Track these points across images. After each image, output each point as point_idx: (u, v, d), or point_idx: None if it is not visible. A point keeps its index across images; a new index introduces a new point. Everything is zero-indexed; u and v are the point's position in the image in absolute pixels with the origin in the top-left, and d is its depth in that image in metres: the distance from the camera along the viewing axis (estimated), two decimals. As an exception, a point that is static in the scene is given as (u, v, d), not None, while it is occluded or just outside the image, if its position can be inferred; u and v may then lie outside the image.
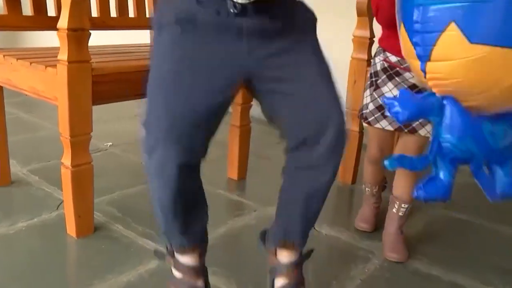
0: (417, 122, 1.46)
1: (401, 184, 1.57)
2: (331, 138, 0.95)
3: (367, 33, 1.91)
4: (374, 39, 1.92)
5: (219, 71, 0.93)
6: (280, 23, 0.95)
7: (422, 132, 1.46)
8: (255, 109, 3.15)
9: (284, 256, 1.13)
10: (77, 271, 1.40)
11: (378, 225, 1.70)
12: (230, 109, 1.97)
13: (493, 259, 1.57)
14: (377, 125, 1.53)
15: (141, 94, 1.65)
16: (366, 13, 1.88)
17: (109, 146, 2.42)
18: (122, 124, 2.87)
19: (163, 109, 0.90)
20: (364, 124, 1.65)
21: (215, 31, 0.91)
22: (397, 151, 1.57)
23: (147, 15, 2.21)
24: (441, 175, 0.88)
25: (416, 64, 0.85)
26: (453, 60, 0.77)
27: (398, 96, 0.82)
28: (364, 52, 1.93)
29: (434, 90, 0.83)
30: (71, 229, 1.51)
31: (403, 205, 1.55)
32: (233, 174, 2.07)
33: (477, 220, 1.85)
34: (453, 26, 0.75)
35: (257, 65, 0.95)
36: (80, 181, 1.47)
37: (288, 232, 1.11)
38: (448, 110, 0.82)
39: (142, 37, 2.25)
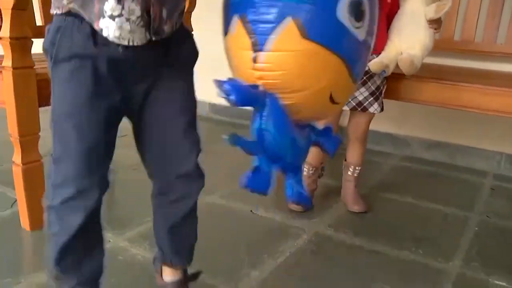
0: (367, 102, 1.76)
1: (353, 153, 1.90)
2: (184, 186, 1.09)
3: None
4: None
5: (110, 100, 0.92)
6: (166, 59, 0.97)
7: (371, 109, 1.78)
8: (201, 107, 3.30)
9: (168, 276, 1.19)
10: (31, 259, 1.52)
11: (309, 207, 1.88)
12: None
13: (410, 229, 1.77)
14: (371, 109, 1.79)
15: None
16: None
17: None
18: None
19: (78, 147, 0.90)
20: None
21: (104, 67, 0.89)
22: (351, 127, 1.87)
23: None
24: (263, 167, 0.90)
25: (246, 54, 0.86)
26: (285, 51, 0.82)
27: (227, 79, 0.83)
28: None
29: (258, 82, 0.85)
30: (24, 222, 1.63)
31: (356, 168, 1.89)
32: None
33: (402, 198, 2.05)
34: (291, 20, 0.80)
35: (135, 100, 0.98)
36: (31, 177, 1.59)
37: (166, 255, 1.17)
38: (271, 103, 0.84)
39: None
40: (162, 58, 0.96)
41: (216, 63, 3.28)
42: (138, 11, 0.84)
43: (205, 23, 3.06)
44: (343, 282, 1.42)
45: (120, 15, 0.83)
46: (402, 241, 1.66)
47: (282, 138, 0.88)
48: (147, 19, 0.87)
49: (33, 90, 1.52)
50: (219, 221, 1.79)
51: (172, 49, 0.97)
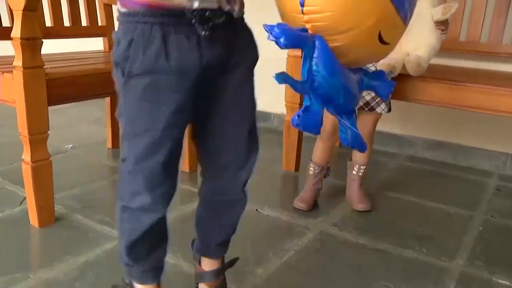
0: (374, 102, 1.76)
1: (359, 152, 1.84)
2: (241, 187, 1.09)
3: (301, 33, 2.10)
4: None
5: (186, 111, 0.92)
6: (235, 58, 0.95)
7: (379, 109, 1.79)
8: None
9: (207, 265, 1.22)
10: (39, 255, 1.55)
11: (315, 206, 1.90)
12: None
13: (413, 228, 1.78)
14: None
15: (92, 96, 1.83)
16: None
17: (70, 148, 2.56)
18: (82, 128, 3.01)
19: (152, 161, 0.91)
20: None
21: (179, 74, 0.87)
22: (358, 126, 1.81)
23: (99, 23, 2.37)
24: (314, 107, 0.90)
25: (293, 2, 0.87)
26: None
27: (276, 24, 0.83)
28: (298, 49, 2.11)
29: (307, 25, 0.86)
30: (33, 219, 1.66)
31: (361, 167, 1.90)
32: (186, 167, 2.24)
33: (406, 197, 2.07)
34: None
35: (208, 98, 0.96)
36: (40, 175, 1.62)
37: (209, 249, 1.20)
38: (320, 45, 0.85)
39: (95, 44, 2.42)
40: (230, 56, 0.94)
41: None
42: None
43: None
44: (347, 280, 1.44)
45: None
46: (405, 240, 1.68)
47: (332, 79, 0.87)
48: None
49: (43, 89, 1.55)
50: (225, 220, 1.81)
51: (238, 47, 0.95)
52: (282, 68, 2.18)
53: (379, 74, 1.02)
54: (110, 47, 2.44)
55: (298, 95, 2.17)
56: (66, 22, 2.23)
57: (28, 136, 1.56)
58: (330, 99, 0.90)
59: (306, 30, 0.86)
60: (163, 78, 0.86)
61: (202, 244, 1.21)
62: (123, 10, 0.87)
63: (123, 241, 1.03)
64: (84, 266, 1.45)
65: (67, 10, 2.23)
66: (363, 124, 1.85)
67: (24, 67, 1.48)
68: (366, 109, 1.79)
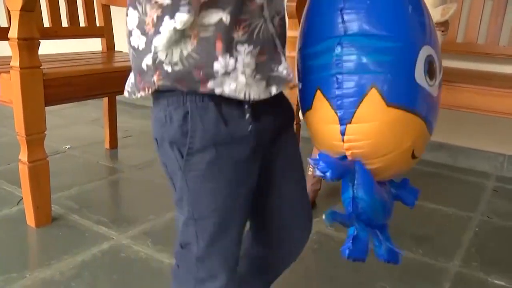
0: None
1: None
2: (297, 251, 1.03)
3: (297, 34, 2.10)
4: (304, 39, 2.12)
5: (251, 180, 0.86)
6: (281, 119, 0.90)
7: None
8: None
9: None
10: (35, 254, 1.55)
11: (313, 206, 1.90)
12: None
13: (411, 229, 1.78)
14: None
15: (89, 96, 1.84)
16: (296, 16, 2.07)
17: (68, 148, 2.56)
18: (79, 129, 3.01)
19: (226, 240, 0.85)
20: None
21: (240, 143, 0.81)
22: None
23: (97, 24, 2.37)
24: (360, 235, 0.89)
25: (333, 128, 0.86)
26: (371, 122, 0.83)
27: (319, 156, 0.84)
28: (295, 51, 2.12)
29: (346, 152, 0.86)
30: (30, 219, 1.66)
31: None
32: (183, 167, 2.24)
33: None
34: (374, 90, 0.81)
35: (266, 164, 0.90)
36: (36, 175, 1.62)
37: None
38: (360, 170, 0.85)
39: (95, 44, 2.43)
40: (278, 118, 0.88)
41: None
42: (253, 64, 0.75)
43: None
44: (345, 280, 1.44)
45: (234, 69, 0.74)
46: (403, 241, 1.68)
47: (374, 202, 0.88)
48: (270, 74, 0.79)
49: (40, 89, 1.56)
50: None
51: (284, 108, 0.91)
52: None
53: (403, 182, 1.02)
54: (109, 47, 2.45)
55: (296, 95, 2.17)
56: (64, 23, 2.24)
57: (25, 136, 1.56)
58: (372, 220, 0.90)
59: (345, 157, 0.87)
60: (224, 149, 0.79)
61: None
62: (161, 87, 0.76)
63: None
64: (81, 266, 1.45)
65: (65, 11, 2.23)
66: None
67: (21, 67, 1.49)
68: None
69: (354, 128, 0.84)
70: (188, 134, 0.76)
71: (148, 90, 0.78)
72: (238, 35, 0.73)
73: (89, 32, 2.34)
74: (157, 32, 0.72)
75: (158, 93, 0.78)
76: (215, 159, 0.78)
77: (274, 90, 0.78)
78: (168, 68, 0.73)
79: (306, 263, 1.53)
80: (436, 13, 1.77)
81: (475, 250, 1.65)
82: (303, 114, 0.92)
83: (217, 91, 0.73)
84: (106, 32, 2.42)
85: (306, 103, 0.90)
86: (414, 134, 0.88)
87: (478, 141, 2.51)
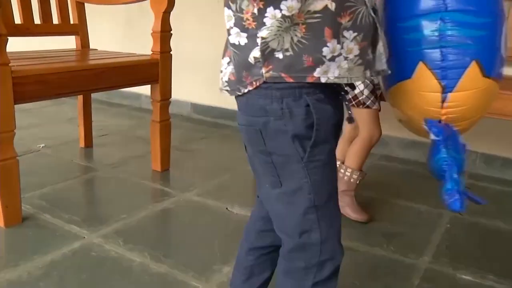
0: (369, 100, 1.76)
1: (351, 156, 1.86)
2: None
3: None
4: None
5: None
6: None
7: (375, 107, 1.78)
8: (183, 107, 3.34)
9: None
10: (3, 255, 1.53)
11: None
12: (151, 105, 2.14)
13: (382, 226, 1.79)
14: (375, 106, 1.78)
15: (62, 94, 1.82)
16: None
17: (42, 147, 2.53)
18: (55, 127, 2.98)
19: (339, 221, 0.93)
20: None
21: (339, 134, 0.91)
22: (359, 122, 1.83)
23: (71, 22, 2.35)
24: (460, 188, 0.95)
25: (433, 96, 0.93)
26: (469, 90, 0.93)
27: (429, 122, 0.96)
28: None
29: (442, 117, 0.95)
30: (-1, 219, 1.65)
31: (348, 170, 1.85)
32: (157, 166, 2.23)
33: (378, 195, 2.09)
34: (474, 63, 0.91)
35: None
36: (6, 174, 1.60)
37: None
38: (454, 133, 0.97)
39: (67, 42, 2.41)
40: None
41: (193, 62, 3.32)
42: (356, 50, 0.80)
43: (182, 23, 3.09)
44: (313, 277, 1.44)
45: (339, 55, 0.78)
46: (374, 238, 1.69)
47: (463, 158, 0.97)
48: (367, 58, 0.83)
49: (8, 87, 1.54)
50: (195, 218, 1.81)
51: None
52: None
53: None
54: (83, 45, 2.43)
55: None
56: (37, 20, 2.21)
57: (-6, 134, 1.54)
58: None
59: (439, 121, 0.96)
60: (336, 137, 0.87)
61: None
62: (268, 79, 0.80)
63: None
64: (50, 266, 1.44)
65: (37, 7, 2.21)
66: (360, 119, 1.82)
67: (-11, 65, 1.47)
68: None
69: (455, 96, 0.93)
70: (313, 127, 0.81)
71: (256, 83, 0.80)
72: (344, 20, 0.77)
73: (63, 29, 2.32)
74: (261, 24, 0.76)
75: (266, 85, 0.80)
76: (333, 148, 0.86)
77: (368, 74, 0.84)
78: (280, 55, 0.77)
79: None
80: None
81: (445, 246, 1.67)
82: (395, 83, 0.98)
83: (323, 79, 0.78)
84: (80, 30, 2.40)
85: (405, 73, 0.95)
86: (493, 99, 1.01)
87: (452, 139, 2.53)
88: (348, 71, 0.79)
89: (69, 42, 2.48)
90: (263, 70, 0.79)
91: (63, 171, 2.22)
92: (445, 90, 0.92)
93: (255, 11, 0.76)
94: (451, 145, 0.95)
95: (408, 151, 2.62)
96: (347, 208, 1.83)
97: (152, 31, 2.09)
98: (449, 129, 0.96)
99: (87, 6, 2.43)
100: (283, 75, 0.78)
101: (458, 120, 0.97)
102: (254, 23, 0.77)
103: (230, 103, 3.14)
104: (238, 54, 0.82)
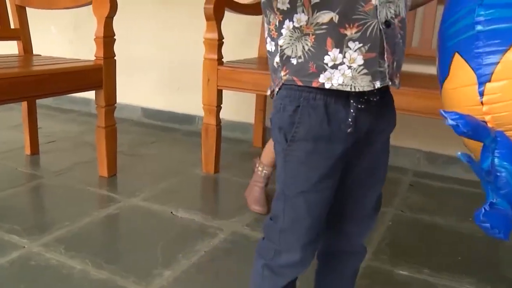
0: None
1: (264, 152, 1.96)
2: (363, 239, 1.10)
3: (215, 36, 2.13)
4: (222, 40, 2.14)
5: (338, 173, 0.95)
6: (383, 125, 0.97)
7: None
8: (133, 111, 3.31)
9: None
10: None
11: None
12: (96, 111, 2.12)
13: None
14: None
15: (3, 101, 1.78)
16: (213, 18, 2.09)
17: (-14, 155, 2.48)
18: (0, 134, 2.92)
19: (306, 220, 0.95)
20: None
21: (338, 141, 0.91)
22: None
23: (12, 26, 2.31)
24: (500, 205, 0.82)
25: (471, 90, 0.82)
26: (510, 79, 0.78)
27: (453, 112, 0.78)
28: (214, 52, 2.14)
29: (486, 118, 0.81)
30: None
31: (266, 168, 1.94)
32: (104, 172, 2.21)
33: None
34: None
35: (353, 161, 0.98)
36: None
37: None
38: (501, 137, 0.79)
39: (11, 47, 2.37)
40: (379, 123, 0.95)
41: (143, 66, 3.31)
42: (360, 60, 0.85)
43: (131, 26, 3.08)
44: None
45: (341, 63, 0.85)
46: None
47: None
48: (376, 67, 0.86)
49: None
50: (139, 223, 1.80)
51: (384, 116, 0.97)
52: (199, 71, 2.20)
53: None
54: (26, 50, 2.39)
55: (215, 97, 2.19)
56: (-25, 25, 2.17)
57: None
58: None
59: (485, 123, 0.81)
60: (322, 144, 0.89)
61: None
62: (286, 81, 0.90)
63: None
64: (-14, 277, 1.41)
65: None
66: None
67: None
68: None
69: (493, 87, 0.79)
70: (294, 125, 0.89)
71: (279, 85, 0.91)
72: (350, 32, 0.83)
73: (3, 34, 2.28)
74: (280, 34, 0.88)
75: (284, 87, 0.91)
76: (312, 150, 0.90)
77: (378, 84, 0.87)
78: (294, 61, 0.87)
79: (217, 263, 1.55)
80: None
81: (385, 243, 1.71)
82: (440, 86, 0.91)
83: (327, 85, 0.85)
84: (21, 35, 2.36)
85: (443, 72, 0.89)
86: None
87: (398, 138, 2.60)
88: (352, 80, 0.85)
89: (13, 48, 2.43)
90: (282, 74, 0.90)
91: (6, 179, 2.18)
92: (480, 79, 0.80)
93: (277, 23, 0.88)
94: (504, 158, 0.78)
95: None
96: (250, 197, 1.94)
97: (95, 37, 2.07)
98: (500, 135, 0.79)
99: (34, 10, 2.39)
100: (294, 78, 0.88)
101: (509, 122, 0.79)
102: (276, 33, 0.89)
103: (180, 107, 3.18)
104: (269, 59, 0.94)
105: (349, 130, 0.88)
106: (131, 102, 3.31)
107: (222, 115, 2.30)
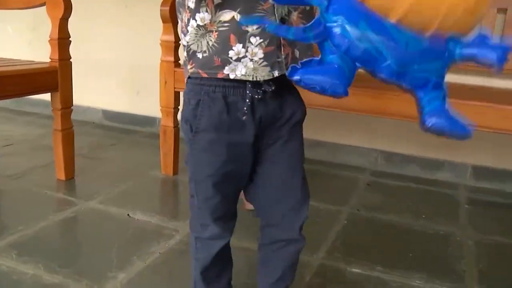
0: None
1: None
2: (299, 227, 1.14)
3: (172, 38, 2.13)
4: (179, 42, 2.15)
5: (243, 158, 1.04)
6: (288, 112, 1.05)
7: None
8: (94, 114, 3.29)
9: None
10: None
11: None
12: (53, 113, 2.10)
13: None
14: None
15: None
16: (170, 20, 2.10)
17: None
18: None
19: (216, 198, 1.07)
20: None
21: (237, 129, 0.99)
22: None
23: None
24: (329, 59, 0.72)
25: None
26: None
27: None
28: (171, 55, 2.15)
29: None
30: None
31: None
32: (61, 175, 2.19)
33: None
34: None
35: (261, 149, 1.06)
36: None
37: None
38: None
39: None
40: (284, 110, 1.04)
41: (106, 68, 3.28)
42: (260, 54, 0.94)
43: (91, 27, 3.05)
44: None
45: (244, 57, 0.94)
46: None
47: (363, 29, 0.70)
48: (274, 58, 0.96)
49: None
50: (95, 226, 1.80)
51: (287, 105, 1.05)
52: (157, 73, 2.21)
53: (478, 39, 0.76)
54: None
55: (173, 99, 2.19)
56: None
57: None
58: (370, 60, 0.73)
59: None
60: (222, 133, 0.99)
61: None
62: (191, 74, 1.00)
63: (197, 268, 1.17)
64: None
65: None
66: None
67: None
68: None
69: None
70: (197, 117, 0.99)
71: (186, 78, 1.02)
72: (252, 28, 0.92)
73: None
74: (187, 31, 0.97)
75: (189, 80, 1.01)
76: (214, 139, 0.99)
77: (276, 73, 0.96)
78: (199, 55, 0.96)
79: (171, 265, 1.56)
80: None
81: (340, 242, 1.74)
82: None
83: (231, 76, 0.95)
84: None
85: None
86: None
87: (355, 138, 2.65)
88: (254, 70, 0.95)
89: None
90: (189, 67, 1.00)
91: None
92: None
93: (186, 20, 0.97)
94: (344, 8, 0.70)
95: (313, 151, 2.69)
96: None
97: (49, 38, 2.05)
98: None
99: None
100: (200, 71, 0.97)
101: None
102: (185, 29, 0.98)
103: (140, 109, 3.17)
104: (183, 53, 1.02)
105: (244, 117, 0.98)
106: (92, 104, 3.28)
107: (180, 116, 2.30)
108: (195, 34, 0.96)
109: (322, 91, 0.73)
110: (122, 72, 3.18)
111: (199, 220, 1.12)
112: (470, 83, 2.27)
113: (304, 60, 0.74)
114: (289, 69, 0.75)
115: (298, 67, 0.74)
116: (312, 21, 0.72)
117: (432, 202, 2.19)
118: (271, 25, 0.78)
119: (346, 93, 0.73)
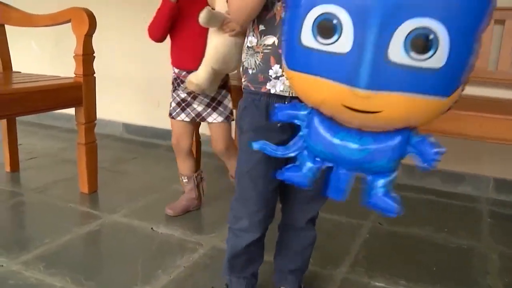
0: (205, 112, 1.90)
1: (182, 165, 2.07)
2: (307, 220, 1.36)
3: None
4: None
5: (275, 159, 1.08)
6: None
7: (210, 119, 1.92)
8: (116, 127, 3.32)
9: None
10: None
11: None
12: (76, 127, 2.13)
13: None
14: (178, 118, 1.93)
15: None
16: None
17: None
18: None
19: (251, 193, 1.21)
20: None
21: (273, 132, 1.12)
22: (212, 135, 1.99)
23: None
24: (303, 168, 0.97)
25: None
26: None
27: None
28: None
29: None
30: None
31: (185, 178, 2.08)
32: (84, 189, 2.22)
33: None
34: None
35: None
36: None
37: (282, 277, 1.45)
38: (315, 121, 0.92)
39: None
40: None
41: (124, 82, 3.31)
42: None
43: (113, 43, 3.09)
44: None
45: (282, 76, 1.11)
46: (295, 251, 1.74)
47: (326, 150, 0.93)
48: None
49: None
50: (120, 239, 1.82)
51: None
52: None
53: (422, 139, 0.91)
54: (4, 67, 2.41)
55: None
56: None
57: None
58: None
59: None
60: (260, 134, 1.11)
61: (278, 273, 1.46)
62: (244, 86, 1.19)
63: (227, 254, 1.32)
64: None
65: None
66: (213, 133, 1.97)
67: None
68: (197, 119, 1.94)
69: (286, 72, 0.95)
70: (242, 119, 1.20)
71: (243, 88, 1.20)
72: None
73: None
74: (242, 50, 1.20)
75: (244, 90, 1.20)
76: (253, 137, 1.09)
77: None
78: (250, 71, 1.16)
79: (196, 278, 1.57)
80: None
81: (362, 256, 1.74)
82: None
83: (272, 91, 1.13)
84: (1, 52, 2.37)
85: None
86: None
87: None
88: (290, 87, 1.09)
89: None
90: (243, 80, 1.19)
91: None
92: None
93: (245, 42, 1.19)
94: (316, 137, 0.93)
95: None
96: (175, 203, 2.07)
97: (74, 54, 2.09)
98: (316, 115, 0.92)
99: (8, 27, 2.40)
100: (249, 85, 1.17)
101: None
102: (244, 49, 1.20)
103: (161, 122, 3.19)
104: None
105: (279, 124, 1.09)
106: (113, 118, 3.32)
107: (202, 130, 2.33)
108: (247, 53, 1.17)
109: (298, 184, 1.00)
110: (141, 86, 3.22)
111: (233, 211, 1.26)
112: (490, 95, 2.27)
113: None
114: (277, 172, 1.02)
115: (283, 170, 1.01)
116: (296, 141, 0.97)
117: (454, 215, 2.19)
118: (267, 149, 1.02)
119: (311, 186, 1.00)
